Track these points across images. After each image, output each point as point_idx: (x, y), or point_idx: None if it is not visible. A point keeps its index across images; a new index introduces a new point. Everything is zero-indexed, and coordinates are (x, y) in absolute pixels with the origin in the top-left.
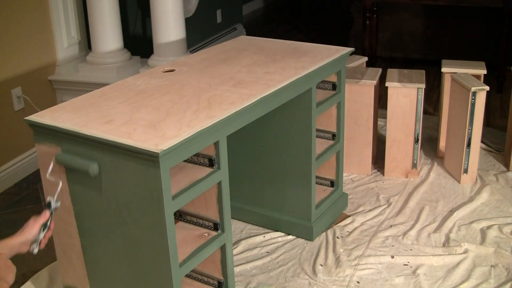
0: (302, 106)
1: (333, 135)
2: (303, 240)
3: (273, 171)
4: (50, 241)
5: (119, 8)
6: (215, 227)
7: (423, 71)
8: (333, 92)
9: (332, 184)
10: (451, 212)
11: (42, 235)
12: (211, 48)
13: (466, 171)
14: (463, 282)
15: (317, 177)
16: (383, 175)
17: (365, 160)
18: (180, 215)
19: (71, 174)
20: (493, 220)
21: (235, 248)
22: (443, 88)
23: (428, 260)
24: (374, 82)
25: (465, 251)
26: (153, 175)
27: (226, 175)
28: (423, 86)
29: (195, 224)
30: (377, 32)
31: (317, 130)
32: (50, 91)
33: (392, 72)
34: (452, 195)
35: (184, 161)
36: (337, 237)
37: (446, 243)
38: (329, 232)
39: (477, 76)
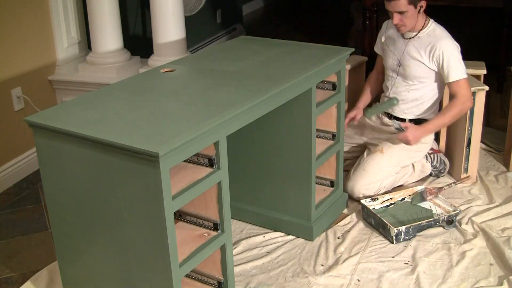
0: (302, 106)
1: (333, 135)
2: (303, 240)
3: (273, 171)
4: (49, 242)
5: (119, 8)
6: (215, 227)
7: None
8: (333, 92)
9: (332, 184)
10: None
11: None
12: (211, 48)
13: (466, 171)
14: (462, 280)
15: (317, 177)
16: None
17: None
18: (180, 215)
19: (71, 174)
20: (493, 220)
21: (235, 248)
22: None
23: (428, 259)
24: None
25: (465, 250)
26: (153, 175)
27: (226, 175)
28: None
29: (195, 224)
30: (377, 32)
31: (317, 130)
32: (50, 91)
33: None
34: (452, 195)
35: (184, 161)
36: (337, 237)
37: (446, 242)
38: (329, 232)
39: (477, 76)
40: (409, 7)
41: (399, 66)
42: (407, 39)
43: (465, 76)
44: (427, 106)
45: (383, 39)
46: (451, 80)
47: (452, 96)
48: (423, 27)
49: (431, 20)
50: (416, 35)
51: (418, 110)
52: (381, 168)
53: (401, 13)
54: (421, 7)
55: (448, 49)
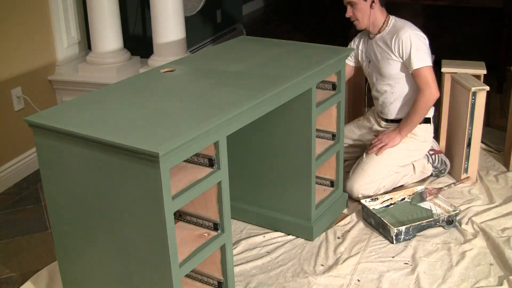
0: (302, 106)
1: (333, 135)
2: (303, 240)
3: (273, 171)
4: (49, 242)
5: (119, 8)
6: (215, 227)
7: None
8: (333, 92)
9: (332, 184)
10: None
11: None
12: (211, 48)
13: (466, 171)
14: (462, 280)
15: (317, 177)
16: None
17: None
18: (180, 215)
19: (71, 174)
20: (493, 220)
21: (235, 248)
22: (443, 88)
23: (428, 259)
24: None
25: (465, 250)
26: (153, 175)
27: (226, 175)
28: None
29: (195, 224)
30: None
31: (317, 130)
32: (50, 91)
33: None
34: (452, 195)
35: (184, 161)
36: (337, 237)
37: (446, 242)
38: (329, 232)
39: (477, 76)
40: None
41: (375, 67)
42: (372, 39)
43: (426, 64)
44: None
45: (355, 47)
46: (412, 69)
47: (419, 90)
48: (384, 25)
49: (392, 17)
50: (379, 34)
51: (408, 108)
52: (380, 167)
53: (351, 5)
54: (373, 2)
55: (406, 38)
